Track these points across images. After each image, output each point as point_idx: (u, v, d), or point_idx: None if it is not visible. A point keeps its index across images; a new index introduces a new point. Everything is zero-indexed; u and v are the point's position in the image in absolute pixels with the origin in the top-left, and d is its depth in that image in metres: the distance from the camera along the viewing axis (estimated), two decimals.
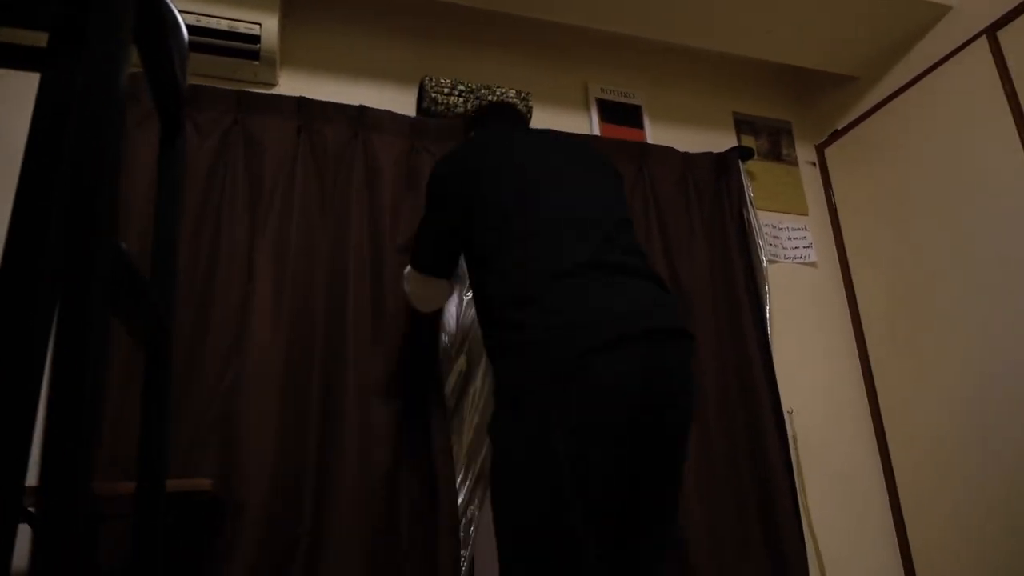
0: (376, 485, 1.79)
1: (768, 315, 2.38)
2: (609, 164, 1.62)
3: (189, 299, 1.82)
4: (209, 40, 2.02)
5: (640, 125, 2.62)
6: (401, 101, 2.29)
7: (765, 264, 2.43)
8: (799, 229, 2.71)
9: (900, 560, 2.34)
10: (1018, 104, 2.06)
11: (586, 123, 2.54)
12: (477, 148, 1.56)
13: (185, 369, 1.76)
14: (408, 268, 1.71)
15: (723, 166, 2.53)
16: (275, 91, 2.16)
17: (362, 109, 2.12)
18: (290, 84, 2.21)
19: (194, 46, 2.01)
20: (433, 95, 2.25)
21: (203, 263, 1.86)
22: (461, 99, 2.27)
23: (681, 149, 2.53)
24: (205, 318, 1.81)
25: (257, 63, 2.11)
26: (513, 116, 1.77)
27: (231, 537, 1.62)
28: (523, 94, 2.34)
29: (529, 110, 2.34)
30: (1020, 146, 2.04)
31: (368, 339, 1.93)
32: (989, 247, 2.12)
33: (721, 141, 2.71)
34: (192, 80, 2.05)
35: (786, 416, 2.36)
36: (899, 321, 2.42)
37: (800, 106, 2.93)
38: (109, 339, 0.76)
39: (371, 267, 2.00)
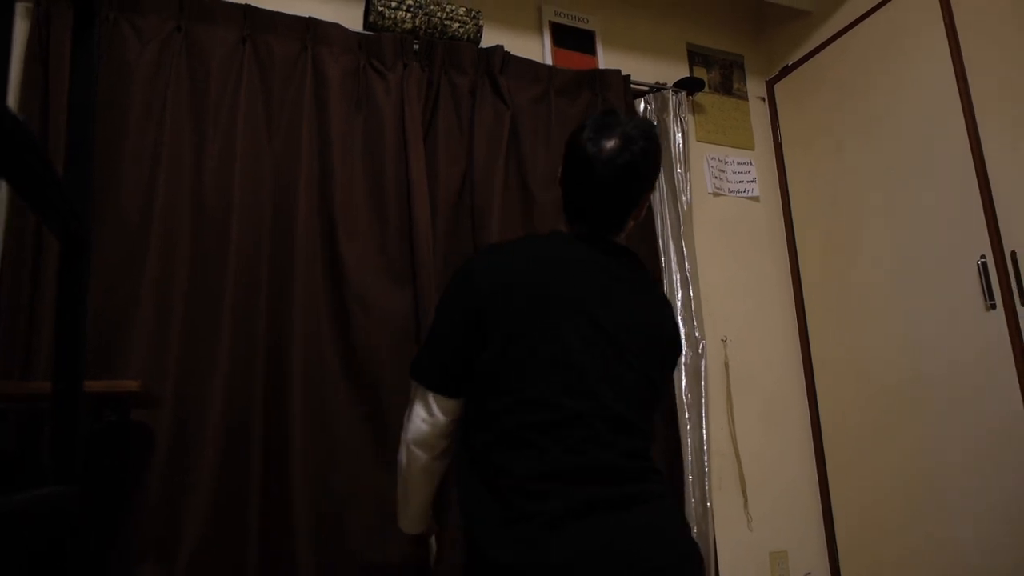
0: (327, 417, 1.83)
1: (683, 249, 2.42)
2: (662, 330, 1.23)
3: (129, 210, 1.77)
4: None
5: (593, 51, 2.59)
6: (346, 14, 2.21)
7: (687, 198, 2.46)
8: (744, 163, 2.75)
9: (817, 477, 2.50)
10: (956, 38, 2.10)
11: (538, 47, 2.50)
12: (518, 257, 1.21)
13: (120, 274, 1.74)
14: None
15: (664, 99, 2.54)
16: None
17: (311, 21, 2.05)
18: None
19: None
20: (380, 8, 2.17)
21: (145, 175, 1.81)
22: (409, 14, 2.20)
23: (634, 77, 2.52)
24: (145, 233, 1.77)
25: None
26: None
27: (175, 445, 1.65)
28: (473, 12, 2.28)
29: (479, 30, 2.29)
30: (955, 85, 2.09)
31: (316, 257, 1.93)
32: (920, 183, 2.19)
33: (674, 71, 2.70)
34: None
35: (720, 343, 2.46)
36: (831, 256, 2.50)
37: (753, 41, 2.93)
38: None
39: (319, 189, 1.98)
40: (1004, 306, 1.93)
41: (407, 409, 1.24)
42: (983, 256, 1.98)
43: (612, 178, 1.17)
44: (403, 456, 1.23)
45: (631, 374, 1.15)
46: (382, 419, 1.88)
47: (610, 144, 1.17)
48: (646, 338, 1.18)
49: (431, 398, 1.19)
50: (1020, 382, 1.87)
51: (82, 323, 0.87)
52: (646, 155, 1.18)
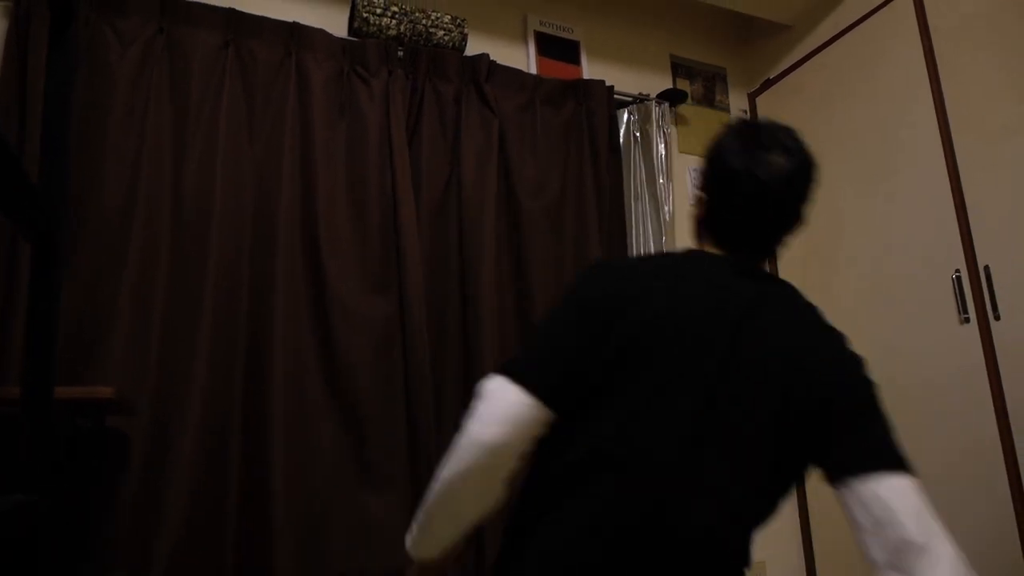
0: (307, 425, 1.82)
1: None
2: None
3: (110, 213, 1.75)
4: None
5: (577, 61, 2.60)
6: (330, 20, 2.21)
7: (669, 208, 2.48)
8: None
9: (794, 490, 2.51)
10: (933, 58, 2.14)
11: (523, 56, 2.51)
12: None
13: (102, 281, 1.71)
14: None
15: (647, 110, 2.56)
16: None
17: (295, 26, 2.05)
18: None
19: None
20: (365, 15, 2.17)
21: (125, 178, 1.79)
22: (394, 21, 2.20)
23: (618, 88, 2.53)
24: (126, 238, 1.75)
25: None
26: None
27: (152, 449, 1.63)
28: (458, 20, 2.29)
29: (464, 38, 2.30)
30: (931, 100, 2.13)
31: (298, 264, 1.92)
32: (897, 197, 2.22)
33: (657, 82, 2.72)
34: None
35: None
36: (812, 267, 2.53)
37: (735, 54, 2.96)
38: None
39: (302, 196, 1.97)
40: (978, 320, 1.96)
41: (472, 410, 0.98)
42: (958, 270, 2.01)
43: (781, 197, 1.01)
44: (458, 466, 0.95)
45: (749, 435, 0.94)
46: (361, 429, 1.87)
47: (776, 160, 1.01)
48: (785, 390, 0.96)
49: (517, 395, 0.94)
50: (993, 394, 1.90)
51: (53, 328, 0.85)
52: (813, 168, 1.04)
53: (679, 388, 0.95)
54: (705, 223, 1.08)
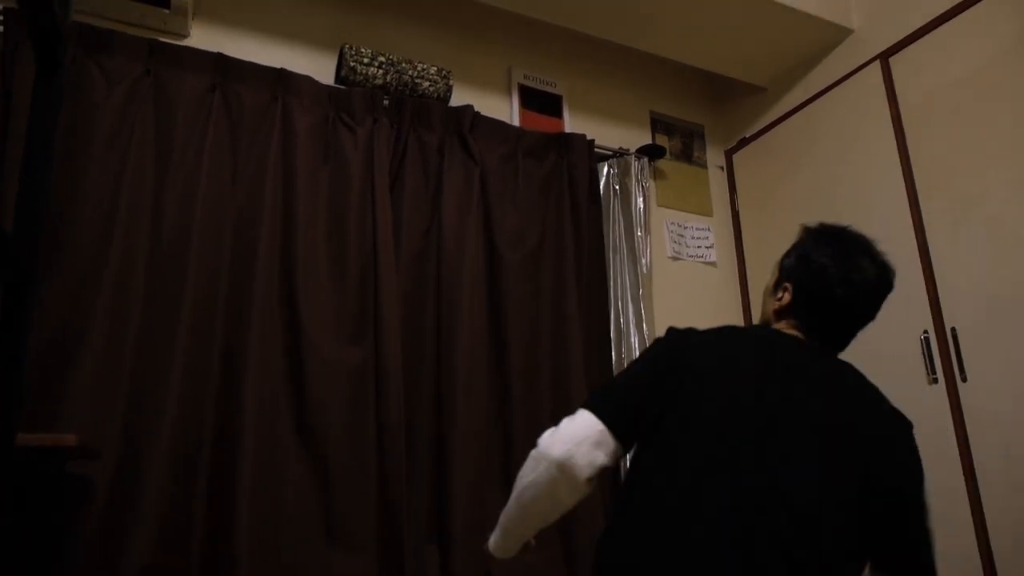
0: (275, 474, 1.79)
1: (641, 311, 2.46)
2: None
3: (84, 250, 1.74)
4: None
5: (559, 115, 2.66)
6: (318, 68, 2.25)
7: (647, 261, 2.52)
8: (703, 229, 2.82)
9: None
10: (901, 127, 2.22)
11: (507, 108, 2.56)
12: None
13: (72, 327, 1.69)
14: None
15: (627, 164, 2.62)
16: (185, 43, 2.08)
17: (282, 72, 2.07)
18: (202, 38, 2.13)
19: None
20: (352, 64, 2.21)
21: (104, 215, 1.78)
22: (381, 70, 2.24)
23: (598, 142, 2.59)
24: (99, 275, 1.73)
25: (167, 11, 2.03)
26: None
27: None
28: (444, 72, 2.34)
29: (449, 89, 2.35)
30: (899, 164, 2.20)
31: (274, 309, 1.90)
32: None
33: (637, 137, 2.79)
34: (96, 22, 1.95)
35: None
36: None
37: (713, 112, 3.05)
38: None
39: (281, 241, 1.97)
40: (945, 380, 1.99)
41: (559, 425, 1.11)
42: (926, 331, 2.06)
43: (866, 299, 1.17)
44: (530, 476, 1.09)
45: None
46: (329, 476, 1.83)
47: (866, 266, 1.18)
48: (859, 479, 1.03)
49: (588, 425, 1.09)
50: (960, 453, 1.93)
51: (19, 377, 0.84)
52: (892, 275, 1.22)
53: (765, 458, 1.02)
54: (791, 311, 1.20)
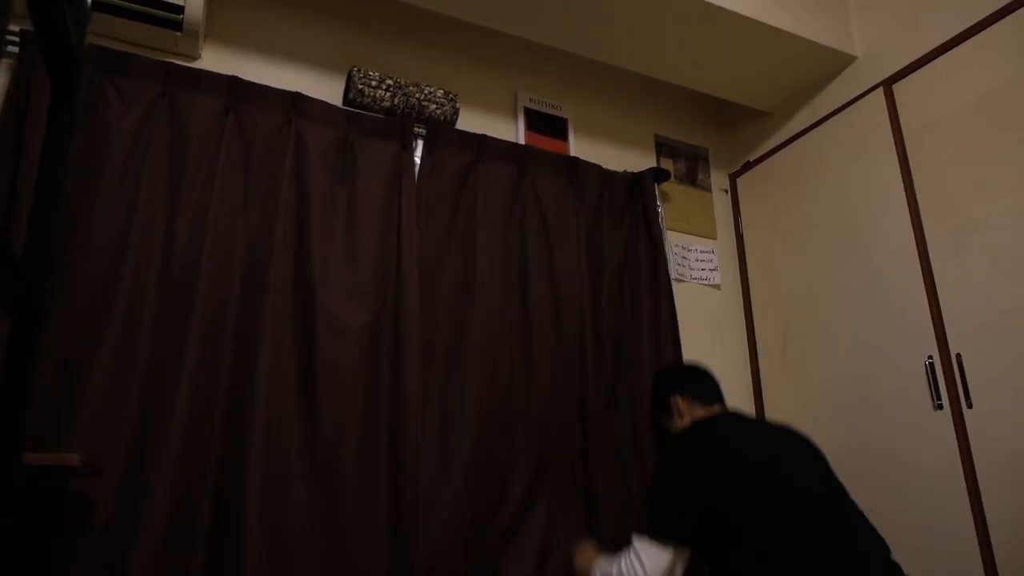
0: (284, 487, 1.77)
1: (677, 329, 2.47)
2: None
3: (96, 268, 1.74)
4: (128, 3, 1.95)
5: (565, 138, 2.68)
6: (326, 89, 2.27)
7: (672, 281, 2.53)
8: (707, 252, 2.83)
9: None
10: (905, 153, 2.23)
11: (512, 131, 2.59)
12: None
13: (81, 352, 1.69)
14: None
15: (638, 185, 2.62)
16: (196, 65, 2.11)
17: (297, 96, 2.09)
18: (212, 60, 2.16)
19: (112, 8, 1.94)
20: (360, 87, 2.24)
21: (115, 236, 1.78)
22: (388, 93, 2.27)
23: (603, 165, 2.61)
24: (111, 295, 1.73)
25: (179, 34, 2.05)
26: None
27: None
28: (451, 95, 2.37)
29: (456, 112, 2.37)
30: (902, 190, 2.21)
31: (287, 330, 1.89)
32: (869, 282, 2.28)
33: (641, 161, 2.81)
34: (108, 44, 1.98)
35: None
36: (789, 344, 2.57)
37: (717, 135, 3.07)
38: None
39: (294, 261, 1.96)
40: (951, 407, 1.98)
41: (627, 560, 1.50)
42: (931, 357, 2.05)
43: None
44: None
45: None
46: (339, 510, 1.79)
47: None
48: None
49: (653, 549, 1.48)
50: (966, 481, 1.91)
51: (26, 400, 0.85)
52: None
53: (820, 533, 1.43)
54: (698, 402, 1.87)
